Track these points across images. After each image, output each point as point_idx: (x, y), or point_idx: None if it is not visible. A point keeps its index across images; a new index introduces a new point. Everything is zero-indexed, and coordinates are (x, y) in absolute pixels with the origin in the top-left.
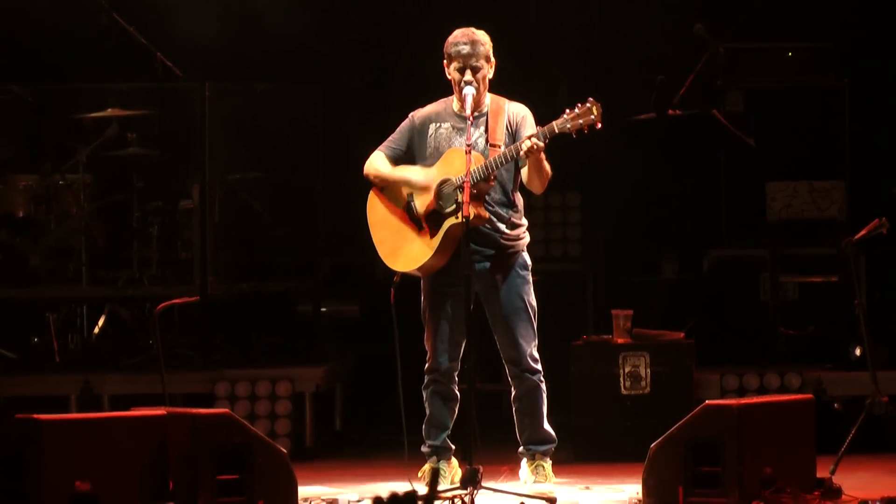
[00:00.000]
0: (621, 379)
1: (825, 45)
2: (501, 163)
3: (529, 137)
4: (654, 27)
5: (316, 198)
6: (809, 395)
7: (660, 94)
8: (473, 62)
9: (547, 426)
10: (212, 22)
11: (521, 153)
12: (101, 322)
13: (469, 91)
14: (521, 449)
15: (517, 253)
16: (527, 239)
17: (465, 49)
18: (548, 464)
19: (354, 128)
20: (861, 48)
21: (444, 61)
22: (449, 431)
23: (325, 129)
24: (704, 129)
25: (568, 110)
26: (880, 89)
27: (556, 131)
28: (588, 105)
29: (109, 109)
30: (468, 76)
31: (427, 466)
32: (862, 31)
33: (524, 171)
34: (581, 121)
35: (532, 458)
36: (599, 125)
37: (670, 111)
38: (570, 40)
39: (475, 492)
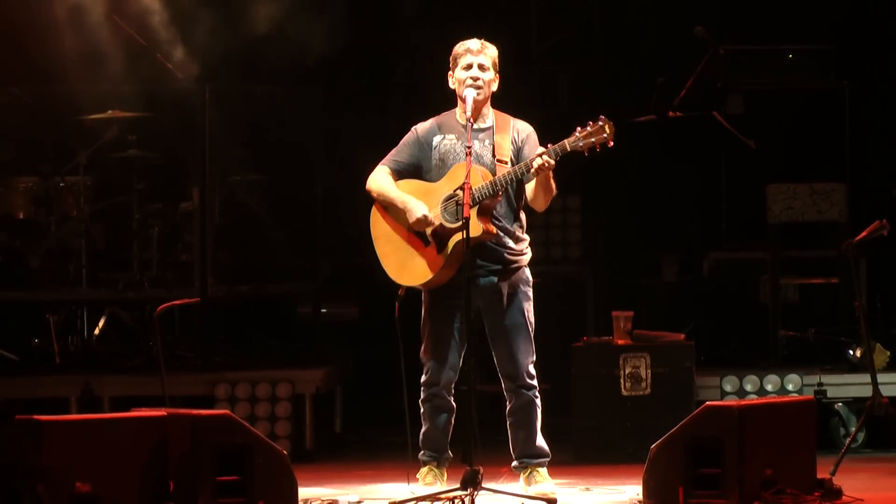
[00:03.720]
0: (622, 380)
1: (825, 47)
2: (511, 180)
3: (540, 155)
4: (655, 29)
5: (316, 200)
6: (810, 397)
7: (660, 96)
8: (482, 59)
9: (541, 441)
10: (212, 24)
11: (532, 171)
12: (101, 324)
13: (470, 94)
14: (514, 463)
15: (521, 268)
16: (529, 254)
17: (476, 46)
18: (543, 469)
19: (354, 130)
20: (861, 50)
21: (450, 70)
22: (447, 442)
23: (324, 132)
24: (705, 131)
25: (579, 128)
26: (880, 91)
27: (568, 149)
28: (600, 123)
29: (110, 111)
30: (475, 72)
31: (425, 469)
32: (862, 34)
33: (529, 188)
34: (593, 139)
35: (525, 469)
36: (612, 144)
37: (671, 113)
38: (570, 42)
39: (475, 492)
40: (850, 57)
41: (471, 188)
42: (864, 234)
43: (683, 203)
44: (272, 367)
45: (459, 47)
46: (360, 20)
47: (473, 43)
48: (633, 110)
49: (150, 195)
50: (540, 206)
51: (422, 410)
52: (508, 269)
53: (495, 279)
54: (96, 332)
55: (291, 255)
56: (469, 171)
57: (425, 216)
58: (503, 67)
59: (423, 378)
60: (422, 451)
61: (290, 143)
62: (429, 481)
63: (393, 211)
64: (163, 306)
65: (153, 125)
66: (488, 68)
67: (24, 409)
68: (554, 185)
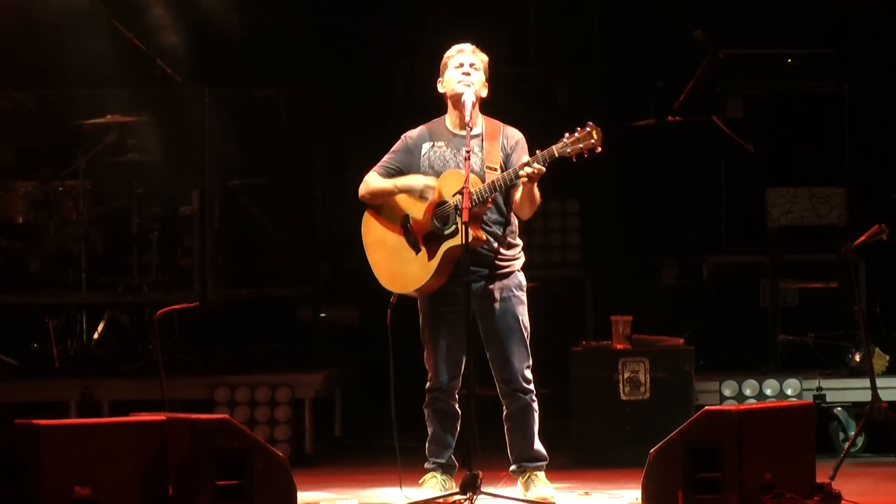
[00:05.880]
0: (621, 384)
1: (824, 51)
2: (499, 187)
3: (529, 164)
4: (654, 33)
5: (316, 203)
6: (809, 401)
7: (659, 101)
8: (473, 59)
9: (538, 445)
10: (210, 27)
11: (521, 178)
12: (100, 328)
13: (468, 95)
14: (512, 467)
15: (513, 273)
16: (522, 259)
17: (468, 47)
18: (541, 473)
19: (354, 133)
20: (860, 54)
21: (439, 75)
22: (452, 449)
23: (324, 135)
24: (704, 135)
25: (567, 134)
26: (880, 95)
27: (556, 155)
28: (588, 129)
29: (109, 115)
30: (467, 69)
31: (428, 476)
32: (861, 37)
33: (515, 195)
34: (581, 145)
35: (523, 473)
36: (600, 149)
37: (670, 117)
38: (569, 46)
39: (475, 497)
40: (850, 61)
41: (469, 192)
42: (863, 237)
43: (683, 207)
44: (272, 371)
45: (451, 51)
46: (359, 22)
47: (465, 45)
48: (632, 114)
49: (150, 199)
50: (525, 214)
51: (425, 415)
52: (500, 273)
53: (486, 284)
54: (96, 336)
55: (291, 259)
56: (468, 176)
57: (427, 185)
58: (503, 71)
59: (427, 384)
60: (427, 461)
61: (290, 146)
62: (429, 487)
63: (386, 214)
64: (162, 310)
65: (152, 129)
66: (479, 69)
67: (24, 413)
68: (538, 195)
